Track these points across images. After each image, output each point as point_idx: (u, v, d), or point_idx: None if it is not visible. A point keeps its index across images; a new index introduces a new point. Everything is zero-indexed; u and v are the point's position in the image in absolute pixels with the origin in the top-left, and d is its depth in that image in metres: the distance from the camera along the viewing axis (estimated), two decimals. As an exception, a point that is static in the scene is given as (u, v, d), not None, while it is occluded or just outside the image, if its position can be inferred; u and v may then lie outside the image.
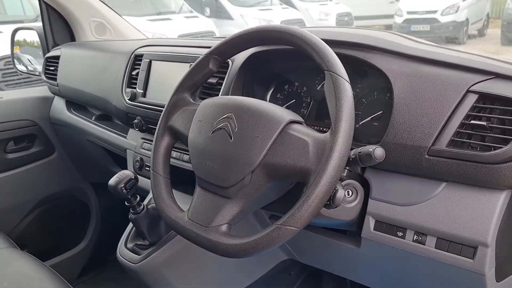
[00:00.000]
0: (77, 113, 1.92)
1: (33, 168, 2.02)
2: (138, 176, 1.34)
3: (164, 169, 1.00)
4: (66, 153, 2.12)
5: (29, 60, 2.68)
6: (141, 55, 1.47)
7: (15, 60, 2.35)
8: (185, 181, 1.20)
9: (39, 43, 2.17)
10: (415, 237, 0.93)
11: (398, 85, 0.92)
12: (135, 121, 1.44)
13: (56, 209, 2.16)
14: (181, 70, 1.30)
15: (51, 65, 1.96)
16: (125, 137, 1.63)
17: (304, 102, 1.19)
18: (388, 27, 12.62)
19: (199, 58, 1.01)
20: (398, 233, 0.95)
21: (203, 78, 1.02)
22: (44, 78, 1.99)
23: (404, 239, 0.94)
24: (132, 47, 1.55)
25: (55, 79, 1.92)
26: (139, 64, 1.47)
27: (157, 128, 1.03)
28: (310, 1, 12.09)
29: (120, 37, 2.08)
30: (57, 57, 1.92)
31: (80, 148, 2.00)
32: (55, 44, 2.05)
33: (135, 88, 1.46)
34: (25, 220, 2.04)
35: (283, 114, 0.85)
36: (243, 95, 1.21)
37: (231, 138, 0.85)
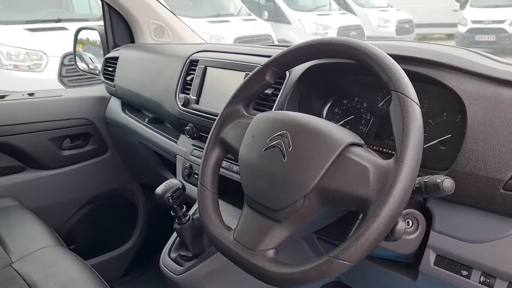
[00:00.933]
0: (131, 115, 1.94)
1: (86, 166, 2.06)
2: (186, 183, 1.33)
3: (212, 183, 0.96)
4: (118, 153, 2.14)
5: (90, 59, 2.74)
6: (197, 61, 1.44)
7: (77, 58, 2.41)
8: (234, 192, 1.15)
9: (100, 43, 2.21)
10: (482, 279, 0.84)
11: (474, 108, 0.83)
12: (187, 127, 1.42)
13: (105, 207, 2.19)
14: (237, 79, 1.26)
15: (110, 65, 1.99)
16: (175, 142, 1.61)
17: (363, 119, 1.11)
18: (450, 36, 12.17)
19: (256, 69, 0.96)
20: (462, 271, 0.86)
21: (259, 90, 0.97)
22: (102, 78, 2.02)
23: (469, 279, 0.85)
24: (188, 51, 1.53)
25: (112, 80, 1.94)
26: (194, 70, 1.45)
27: (208, 139, 0.99)
28: (370, 7, 11.83)
29: (178, 40, 2.08)
30: (116, 58, 1.94)
31: (132, 149, 2.01)
32: (115, 45, 2.08)
33: (188, 94, 1.43)
34: (74, 217, 2.08)
35: (342, 135, 0.78)
36: (299, 109, 1.15)
37: (284, 158, 0.79)
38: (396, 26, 11.39)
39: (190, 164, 1.48)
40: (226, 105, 0.99)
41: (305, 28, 9.70)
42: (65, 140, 1.99)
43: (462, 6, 12.21)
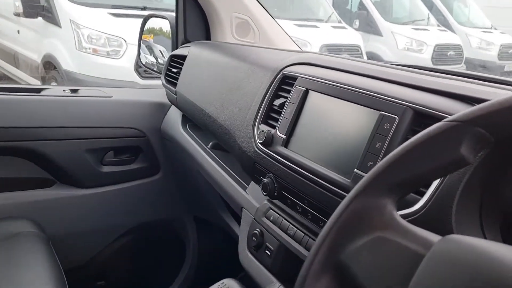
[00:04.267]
0: (192, 133, 1.47)
1: (131, 188, 1.63)
2: (251, 261, 0.88)
3: None
4: (172, 175, 1.69)
5: (161, 52, 2.34)
6: (294, 78, 0.94)
7: (145, 49, 2.00)
8: None
9: (171, 35, 1.78)
10: None
11: None
12: (265, 180, 0.92)
13: (148, 240, 1.76)
14: (365, 122, 0.74)
15: (175, 65, 1.54)
16: (245, 189, 1.12)
17: None
18: None
19: (437, 125, 0.44)
20: None
21: (436, 171, 0.45)
22: (163, 81, 1.57)
23: None
24: (280, 61, 1.03)
25: (175, 85, 1.49)
26: (288, 91, 0.95)
27: (311, 254, 0.49)
28: (472, 27, 10.86)
29: (266, 43, 1.59)
30: (183, 57, 1.49)
31: (189, 175, 1.55)
32: (186, 40, 1.63)
33: (274, 127, 0.93)
34: (108, 248, 1.65)
35: None
36: (481, 206, 0.61)
37: None
38: (499, 50, 10.36)
39: (261, 231, 0.98)
40: (357, 192, 0.48)
41: (397, 41, 8.99)
42: (108, 153, 1.57)
43: None
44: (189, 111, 1.39)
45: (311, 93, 0.87)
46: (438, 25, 9.98)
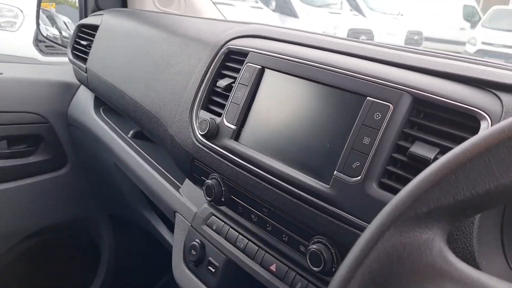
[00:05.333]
0: (107, 119, 1.23)
1: (31, 185, 1.34)
2: (191, 279, 0.71)
3: None
4: (82, 169, 1.43)
5: (65, 24, 2.02)
6: (243, 53, 0.75)
7: (46, 20, 1.70)
8: None
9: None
10: None
11: None
12: (209, 181, 0.72)
13: (55, 244, 1.49)
14: (346, 109, 0.58)
15: (85, 37, 1.27)
16: (178, 189, 0.92)
17: None
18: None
19: None
20: None
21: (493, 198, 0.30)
22: (70, 56, 1.30)
23: None
24: (222, 33, 0.83)
25: (85, 61, 1.23)
26: (235, 70, 0.76)
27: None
28: (382, 12, 11.32)
29: (193, 14, 1.38)
30: (94, 28, 1.23)
31: (103, 169, 1.31)
32: (97, 8, 1.37)
33: (220, 115, 0.74)
34: (8, 255, 1.36)
35: None
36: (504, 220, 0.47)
37: None
38: (405, 36, 10.93)
39: (201, 242, 0.79)
40: (387, 221, 0.32)
41: (313, 24, 9.09)
42: (0, 144, 1.27)
43: (473, 26, 11.79)
44: (103, 93, 1.15)
45: (268, 72, 0.69)
46: (351, 10, 10.26)
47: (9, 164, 1.29)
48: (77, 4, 1.69)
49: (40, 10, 1.62)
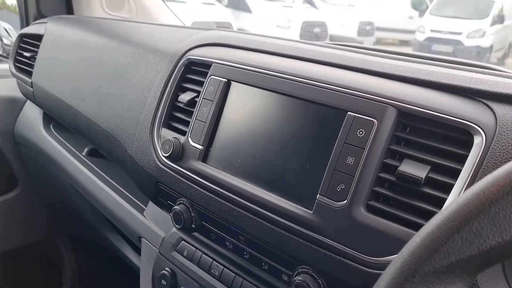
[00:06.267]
0: (58, 135, 1.14)
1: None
2: None
3: None
4: (35, 189, 1.32)
5: (6, 31, 1.89)
6: (205, 64, 0.68)
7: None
8: None
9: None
10: None
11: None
12: (177, 207, 0.66)
13: (13, 271, 1.37)
14: (325, 126, 0.53)
15: (28, 48, 1.17)
16: (142, 211, 0.85)
17: None
18: (403, 42, 12.16)
19: None
20: None
21: None
22: (12, 69, 1.19)
23: None
24: (180, 42, 0.77)
25: (29, 74, 1.12)
26: (197, 82, 0.69)
27: None
28: (333, 4, 11.46)
29: (145, 19, 1.30)
30: (38, 37, 1.12)
31: (57, 189, 1.21)
32: (40, 15, 1.26)
33: (183, 133, 0.67)
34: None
35: None
36: None
37: None
38: (358, 27, 11.10)
39: (172, 271, 0.73)
40: (400, 275, 0.26)
41: (267, 19, 9.08)
42: None
43: (422, 14, 12.12)
44: (52, 108, 1.05)
45: (235, 85, 0.63)
46: (304, 3, 10.32)
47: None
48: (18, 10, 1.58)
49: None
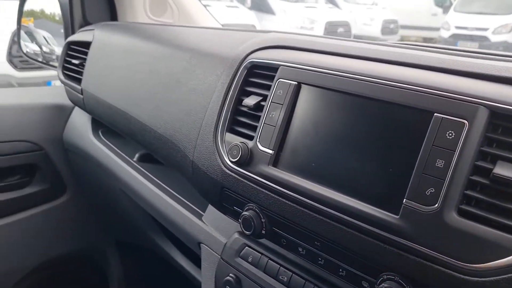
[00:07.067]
0: (108, 142, 1.14)
1: (28, 218, 1.25)
2: None
3: None
4: (84, 195, 1.34)
5: (45, 39, 1.92)
6: (271, 67, 0.67)
7: (25, 36, 1.61)
8: None
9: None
10: None
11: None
12: (246, 213, 0.65)
13: (60, 278, 1.39)
14: (410, 129, 0.51)
15: (76, 55, 1.18)
16: (200, 217, 0.84)
17: None
18: (427, 40, 11.96)
19: None
20: None
21: None
22: (61, 77, 1.20)
23: None
24: (238, 45, 0.76)
25: (78, 81, 1.14)
26: (261, 86, 0.68)
27: None
28: (355, 3, 11.37)
29: (187, 23, 1.30)
30: (86, 45, 1.14)
31: (106, 195, 1.22)
32: (86, 22, 1.28)
33: (250, 138, 0.66)
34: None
35: None
36: None
37: None
38: (381, 26, 10.98)
39: (237, 277, 0.72)
40: None
41: (290, 20, 9.08)
42: (-7, 178, 1.18)
43: (445, 11, 11.93)
44: (103, 115, 1.06)
45: (305, 88, 0.62)
46: (327, 3, 10.27)
47: (3, 198, 1.19)
48: (56, 18, 1.61)
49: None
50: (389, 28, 11.07)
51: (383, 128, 0.53)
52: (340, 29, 9.44)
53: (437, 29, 10.93)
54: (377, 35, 10.69)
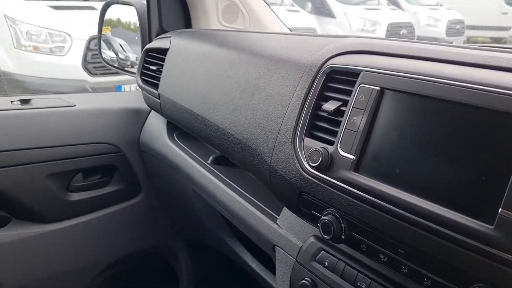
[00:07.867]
0: (183, 145, 1.19)
1: (107, 216, 1.32)
2: None
3: None
4: (157, 196, 1.40)
5: (121, 46, 2.02)
6: (352, 73, 0.67)
7: (103, 43, 1.70)
8: None
9: (138, 25, 1.48)
10: None
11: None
12: (325, 218, 0.65)
13: (132, 274, 1.46)
14: (503, 134, 0.49)
15: (153, 62, 1.24)
16: (275, 220, 0.86)
17: None
18: (495, 40, 11.34)
19: None
20: None
21: None
22: (139, 82, 1.27)
23: None
24: (316, 51, 0.76)
25: (155, 86, 1.19)
26: (340, 91, 0.68)
27: None
28: (419, 4, 11.00)
29: (258, 29, 1.32)
30: (163, 51, 1.19)
31: (178, 195, 1.27)
32: (162, 30, 1.33)
33: (327, 141, 0.67)
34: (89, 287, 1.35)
35: None
36: None
37: None
38: (446, 27, 10.56)
39: (313, 281, 0.72)
40: None
41: (351, 23, 8.95)
42: (76, 177, 1.25)
43: (518, 8, 11.30)
44: (180, 119, 1.10)
45: (389, 93, 0.61)
46: (389, 4, 10.03)
47: (85, 196, 1.27)
48: (131, 26, 1.69)
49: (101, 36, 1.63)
50: (454, 29, 10.63)
51: (474, 134, 0.52)
52: (403, 31, 9.19)
53: (508, 28, 10.39)
54: (441, 36, 10.31)
